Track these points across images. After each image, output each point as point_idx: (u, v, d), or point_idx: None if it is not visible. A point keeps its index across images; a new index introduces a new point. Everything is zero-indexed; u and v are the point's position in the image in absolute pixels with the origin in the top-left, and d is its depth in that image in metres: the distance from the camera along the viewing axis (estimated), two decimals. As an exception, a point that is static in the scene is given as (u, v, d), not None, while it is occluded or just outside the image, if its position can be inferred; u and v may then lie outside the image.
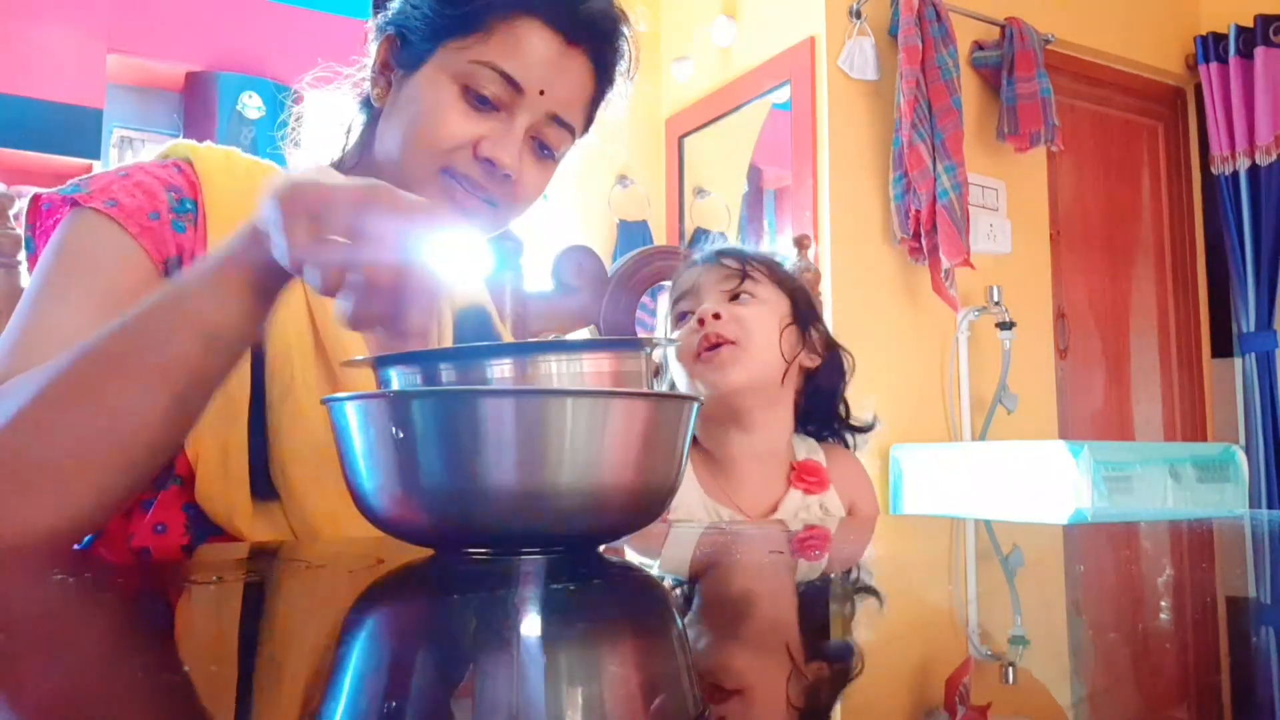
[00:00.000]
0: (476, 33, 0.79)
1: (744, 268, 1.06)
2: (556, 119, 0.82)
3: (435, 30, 0.80)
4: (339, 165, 0.88)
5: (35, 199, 0.77)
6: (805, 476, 1.06)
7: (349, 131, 0.89)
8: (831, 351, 1.11)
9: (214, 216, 0.77)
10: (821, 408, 1.12)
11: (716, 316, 1.02)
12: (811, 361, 1.09)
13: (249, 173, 0.82)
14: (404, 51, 0.83)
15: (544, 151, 0.84)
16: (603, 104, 0.89)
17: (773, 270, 1.08)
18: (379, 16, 0.85)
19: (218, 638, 0.36)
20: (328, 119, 0.90)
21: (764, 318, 1.04)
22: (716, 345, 1.02)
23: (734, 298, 1.05)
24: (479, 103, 0.79)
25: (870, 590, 0.49)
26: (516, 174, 0.81)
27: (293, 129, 0.91)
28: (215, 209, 0.77)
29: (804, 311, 1.08)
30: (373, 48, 0.86)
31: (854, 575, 0.55)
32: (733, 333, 1.02)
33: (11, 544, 0.57)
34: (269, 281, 0.60)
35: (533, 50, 0.79)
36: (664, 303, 1.16)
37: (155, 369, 0.59)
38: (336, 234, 0.53)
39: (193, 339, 0.59)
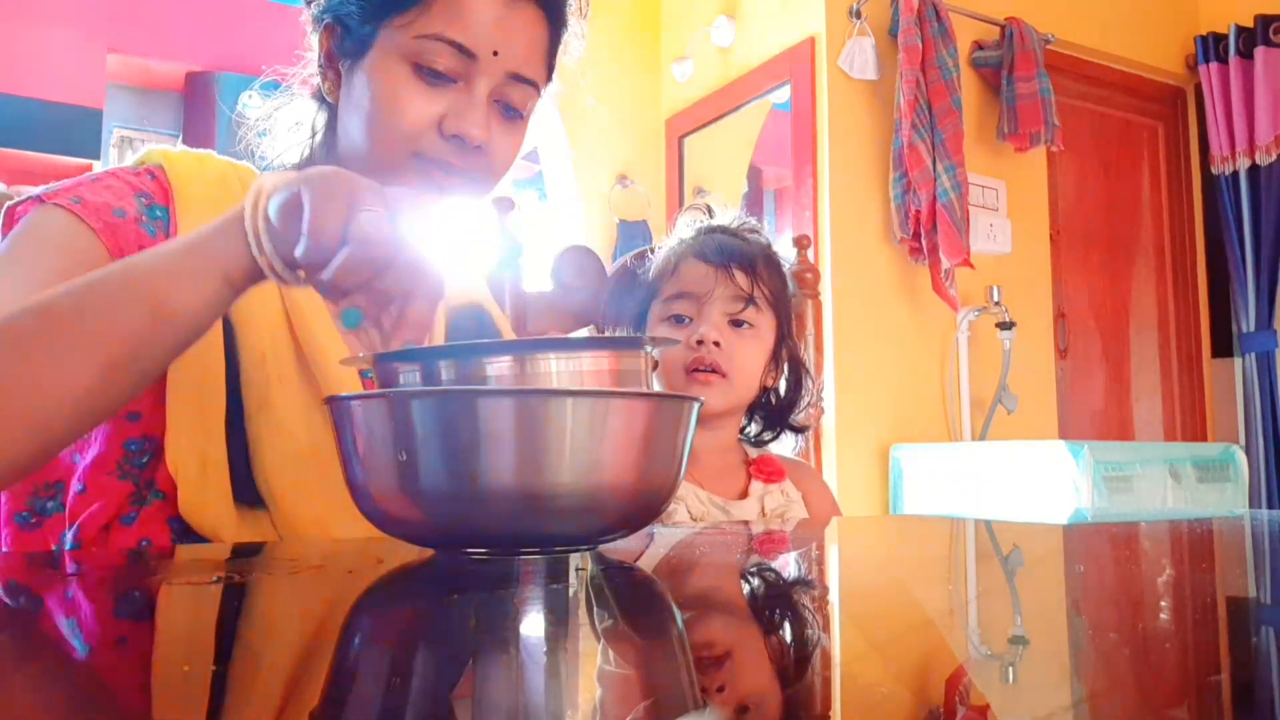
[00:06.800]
0: (415, 6, 0.76)
1: (752, 291, 1.07)
2: (517, 77, 0.79)
3: (373, 11, 0.78)
4: (309, 165, 0.86)
5: (10, 208, 0.76)
6: (763, 468, 1.12)
7: (314, 131, 0.86)
8: (795, 369, 1.14)
9: (185, 224, 0.76)
10: (769, 412, 1.16)
11: (717, 344, 1.05)
12: (772, 380, 1.13)
13: (222, 175, 0.82)
14: (346, 40, 0.80)
15: (510, 113, 0.82)
16: (560, 48, 0.86)
17: (774, 291, 1.10)
18: (313, 6, 0.83)
19: (217, 638, 0.36)
20: (287, 120, 0.88)
21: (756, 355, 1.09)
22: (708, 368, 1.05)
23: (735, 321, 1.07)
24: (434, 78, 0.77)
25: (870, 590, 0.49)
26: (487, 144, 0.79)
27: (248, 140, 0.88)
28: (187, 216, 0.77)
29: (784, 330, 1.12)
30: (313, 40, 0.83)
31: (853, 575, 0.55)
32: (727, 365, 1.05)
33: None
34: (239, 276, 0.60)
35: (478, 12, 0.76)
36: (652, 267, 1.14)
37: (91, 333, 0.58)
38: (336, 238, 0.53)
39: (140, 311, 0.58)
